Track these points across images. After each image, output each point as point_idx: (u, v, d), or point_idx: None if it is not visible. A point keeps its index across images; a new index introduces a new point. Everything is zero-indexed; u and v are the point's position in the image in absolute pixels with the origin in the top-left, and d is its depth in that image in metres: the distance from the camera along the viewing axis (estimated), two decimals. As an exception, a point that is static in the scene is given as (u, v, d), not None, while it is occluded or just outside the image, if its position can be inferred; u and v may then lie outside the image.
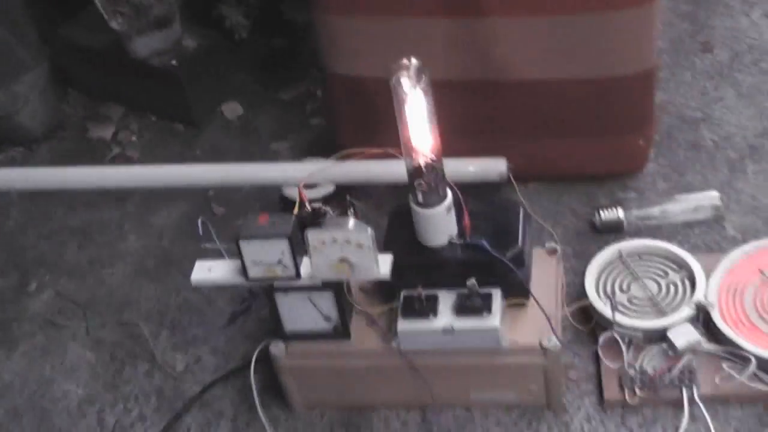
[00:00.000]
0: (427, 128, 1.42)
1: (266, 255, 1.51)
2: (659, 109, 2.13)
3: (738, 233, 1.87)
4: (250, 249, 1.50)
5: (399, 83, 1.37)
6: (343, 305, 1.57)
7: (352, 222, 1.48)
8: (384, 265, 1.51)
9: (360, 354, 1.59)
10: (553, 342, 1.50)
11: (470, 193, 1.57)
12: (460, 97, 1.93)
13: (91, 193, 2.23)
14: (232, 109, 2.49)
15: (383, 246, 1.56)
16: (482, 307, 1.51)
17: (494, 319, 1.50)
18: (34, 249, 2.22)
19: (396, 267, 1.52)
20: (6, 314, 2.06)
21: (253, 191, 2.14)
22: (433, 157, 1.45)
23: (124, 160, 2.42)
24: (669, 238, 1.86)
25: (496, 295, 1.53)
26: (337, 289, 1.55)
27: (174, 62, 2.36)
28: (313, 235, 1.47)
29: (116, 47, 2.39)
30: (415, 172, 1.46)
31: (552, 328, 1.50)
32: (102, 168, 2.16)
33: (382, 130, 1.84)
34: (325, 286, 1.54)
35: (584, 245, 1.90)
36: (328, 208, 1.51)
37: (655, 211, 1.90)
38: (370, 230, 1.46)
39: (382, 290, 1.60)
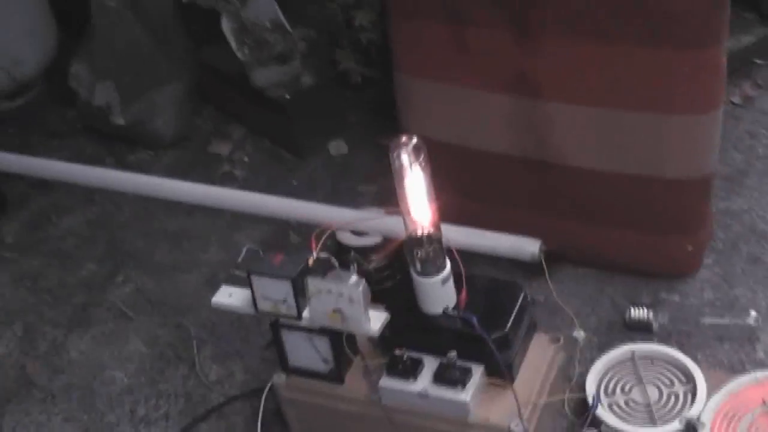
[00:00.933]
0: (425, 202, 1.49)
1: (273, 292, 1.61)
2: (729, 216, 2.09)
3: (767, 357, 1.82)
4: (260, 284, 1.62)
5: (398, 158, 1.45)
6: (339, 351, 1.65)
7: (353, 277, 1.56)
8: (375, 321, 1.58)
9: (349, 400, 1.67)
10: (519, 428, 1.54)
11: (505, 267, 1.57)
12: (515, 172, 1.98)
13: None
14: (337, 147, 2.62)
15: (389, 305, 1.63)
16: (459, 379, 1.56)
17: (466, 393, 1.55)
18: (131, 244, 2.43)
19: (392, 326, 1.60)
20: (92, 298, 2.28)
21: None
22: (432, 229, 1.51)
23: (230, 176, 2.59)
24: (696, 348, 1.84)
25: (477, 371, 1.58)
26: (334, 336, 1.63)
27: (287, 96, 2.51)
28: (312, 283, 1.57)
29: (243, 74, 2.58)
30: (414, 242, 1.53)
31: (519, 414, 1.54)
32: (197, 186, 2.32)
33: (445, 190, 1.96)
34: (323, 331, 1.62)
35: (611, 338, 1.90)
36: (332, 258, 1.59)
37: (688, 320, 1.88)
38: (362, 287, 1.54)
39: (381, 343, 1.67)
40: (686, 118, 1.78)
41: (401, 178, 1.47)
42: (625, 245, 1.97)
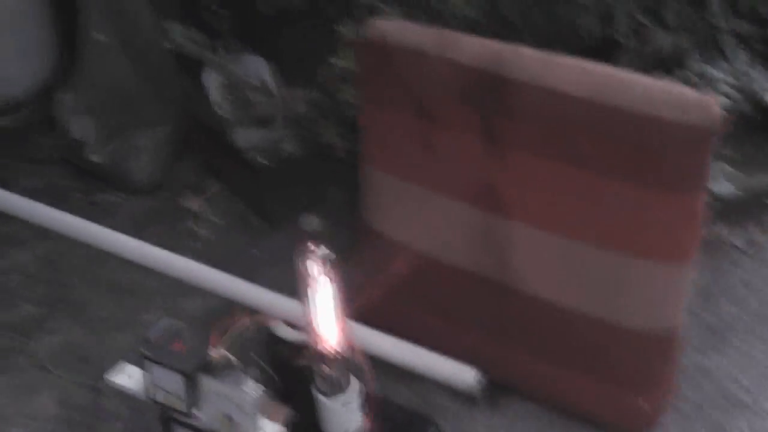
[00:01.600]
0: (331, 317, 1.38)
1: (167, 383, 1.51)
2: (702, 374, 1.95)
3: None
4: (155, 372, 1.51)
5: (306, 267, 1.34)
6: None
7: (249, 383, 1.46)
8: None
9: None
10: None
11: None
12: (472, 290, 1.88)
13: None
14: (310, 222, 2.49)
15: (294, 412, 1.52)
16: None
17: None
18: (73, 291, 2.34)
19: None
20: (16, 343, 2.19)
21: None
22: (337, 349, 1.40)
23: (193, 235, 2.50)
24: None
25: None
26: None
27: (264, 161, 2.42)
28: (205, 382, 1.46)
29: (224, 131, 2.49)
30: (317, 356, 1.42)
31: None
32: (146, 246, 2.23)
33: (397, 295, 1.89)
34: None
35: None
36: (231, 357, 1.49)
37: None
38: (254, 397, 1.43)
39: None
40: (653, 264, 1.66)
41: (307, 289, 1.36)
42: (578, 389, 1.84)
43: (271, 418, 1.50)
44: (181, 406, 1.51)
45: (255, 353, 1.94)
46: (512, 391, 1.92)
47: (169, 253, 2.09)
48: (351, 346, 1.47)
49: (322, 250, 1.35)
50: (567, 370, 1.82)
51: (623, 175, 1.60)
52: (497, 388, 1.91)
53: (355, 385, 1.47)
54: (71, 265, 2.42)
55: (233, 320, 1.55)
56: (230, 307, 2.20)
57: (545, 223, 1.72)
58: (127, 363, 1.59)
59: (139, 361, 1.57)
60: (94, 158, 2.62)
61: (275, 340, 1.86)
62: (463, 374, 1.73)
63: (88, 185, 2.69)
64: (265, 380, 1.55)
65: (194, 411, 1.50)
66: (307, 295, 1.39)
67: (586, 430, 1.86)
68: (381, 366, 1.84)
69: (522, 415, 1.91)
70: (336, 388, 1.44)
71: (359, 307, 1.89)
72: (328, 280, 1.36)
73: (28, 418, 1.99)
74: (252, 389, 1.45)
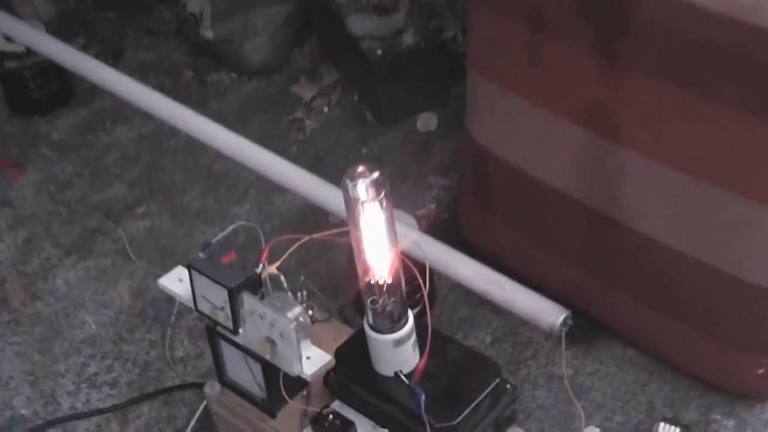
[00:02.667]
0: (384, 246, 1.27)
1: (212, 296, 1.46)
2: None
3: None
4: (200, 283, 1.46)
5: (354, 192, 1.23)
6: (273, 384, 1.47)
7: (295, 309, 1.38)
8: (310, 365, 1.40)
9: (273, 438, 1.50)
10: None
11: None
12: (573, 218, 1.74)
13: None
14: (426, 121, 2.40)
15: (340, 348, 1.44)
16: (382, 461, 1.36)
17: (386, 480, 1.35)
18: (169, 175, 2.33)
19: (339, 374, 1.43)
20: (104, 225, 2.19)
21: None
22: (390, 280, 1.30)
23: (299, 126, 2.44)
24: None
25: (410, 458, 1.36)
26: (268, 366, 1.45)
27: (379, 51, 2.30)
28: (247, 301, 1.40)
29: (340, 15, 2.38)
30: (368, 290, 1.32)
31: None
32: (238, 141, 2.17)
33: (490, 212, 1.85)
34: (255, 356, 1.45)
35: (630, 450, 1.64)
36: (281, 276, 1.41)
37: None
38: (296, 323, 1.35)
39: (327, 387, 1.48)
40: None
41: (355, 215, 1.25)
42: (685, 343, 1.69)
43: (320, 345, 1.42)
44: (226, 322, 1.45)
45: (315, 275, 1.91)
46: (612, 335, 1.81)
47: (264, 150, 2.01)
48: (412, 275, 1.36)
49: (374, 174, 1.23)
50: (675, 320, 1.67)
51: (761, 110, 1.40)
52: (595, 329, 1.80)
53: (409, 321, 1.36)
54: (169, 148, 2.41)
55: (294, 237, 1.45)
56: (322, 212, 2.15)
57: (662, 154, 1.55)
58: (182, 267, 1.54)
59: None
60: (208, 34, 2.56)
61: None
62: (547, 313, 1.60)
63: (201, 63, 2.66)
64: (319, 307, 1.49)
65: (238, 329, 1.44)
66: (354, 223, 1.27)
67: (693, 389, 1.72)
68: (472, 294, 1.78)
69: (620, 361, 1.79)
70: (389, 324, 1.34)
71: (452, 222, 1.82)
72: (379, 206, 1.24)
73: (102, 306, 2.00)
74: (297, 315, 1.37)
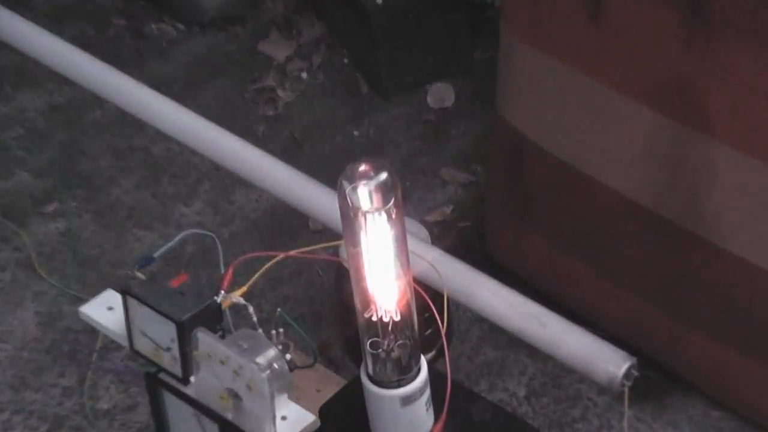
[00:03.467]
0: (393, 272, 1.27)
1: (156, 332, 1.45)
2: None
3: None
4: (139, 314, 1.46)
5: (353, 199, 1.22)
6: None
7: (268, 351, 1.38)
8: (287, 429, 1.39)
9: None
10: None
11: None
12: (639, 231, 1.76)
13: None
14: (439, 94, 2.43)
15: (326, 405, 1.44)
16: None
17: None
18: (91, 161, 2.35)
19: None
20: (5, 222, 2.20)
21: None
22: (399, 315, 1.29)
23: (269, 98, 2.46)
24: None
25: None
26: (228, 427, 1.45)
27: (379, 1, 2.31)
28: (203, 340, 1.39)
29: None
30: (369, 329, 1.31)
31: None
32: (190, 119, 2.17)
33: (526, 220, 1.87)
34: (211, 414, 1.45)
35: None
36: (249, 306, 1.41)
37: None
38: (271, 371, 1.35)
39: (307, 457, 1.48)
40: None
41: (353, 228, 1.25)
42: None
43: (299, 401, 1.42)
44: (171, 366, 1.44)
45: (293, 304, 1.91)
46: (689, 390, 1.84)
47: (221, 130, 2.01)
48: (423, 306, 1.35)
49: (380, 176, 1.22)
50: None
51: None
52: (667, 381, 1.84)
53: (423, 371, 1.35)
54: (92, 123, 2.42)
55: (266, 254, 1.44)
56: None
57: (764, 149, 1.56)
58: (115, 291, 1.54)
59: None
60: (147, -29, 2.57)
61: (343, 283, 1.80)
62: (609, 359, 1.61)
63: (136, 8, 2.69)
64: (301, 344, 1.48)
65: (189, 377, 1.43)
66: (353, 238, 1.27)
67: None
68: (500, 330, 1.78)
69: (700, 426, 1.82)
70: (396, 373, 1.33)
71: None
72: (387, 217, 1.23)
73: (1, 340, 2.00)
74: (270, 360, 1.36)
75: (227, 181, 2.24)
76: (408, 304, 1.32)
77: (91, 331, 1.96)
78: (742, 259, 1.65)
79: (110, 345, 1.94)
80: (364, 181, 1.25)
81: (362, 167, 1.24)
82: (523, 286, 1.71)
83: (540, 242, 1.90)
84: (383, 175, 1.25)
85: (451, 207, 2.17)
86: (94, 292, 2.02)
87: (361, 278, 1.31)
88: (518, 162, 1.87)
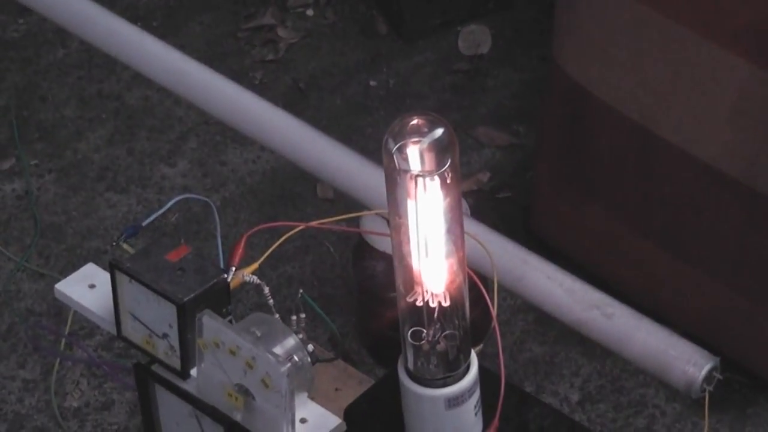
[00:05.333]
0: (443, 247, 1.29)
1: (150, 315, 1.46)
2: None
3: None
4: (130, 294, 1.47)
5: (401, 161, 1.23)
6: None
7: (288, 338, 1.39)
8: None
9: None
10: None
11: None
12: (724, 207, 1.79)
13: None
14: (472, 37, 2.44)
15: (353, 406, 1.45)
16: None
17: None
18: (52, 110, 2.36)
19: None
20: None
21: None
22: (448, 299, 1.31)
23: (269, 43, 2.47)
24: None
25: None
26: (233, 430, 1.46)
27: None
28: (209, 325, 1.40)
29: None
30: (411, 315, 1.33)
31: None
32: (167, 51, 2.18)
33: (588, 194, 1.88)
34: (215, 414, 1.46)
35: None
36: (265, 287, 1.42)
37: None
38: (288, 365, 1.36)
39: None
40: None
41: (398, 195, 1.26)
42: None
43: (321, 401, 1.43)
44: (168, 356, 1.46)
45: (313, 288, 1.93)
46: None
47: (212, 74, 2.03)
48: (477, 298, 1.36)
49: (435, 133, 1.23)
50: None
51: None
52: (754, 387, 1.86)
53: (473, 368, 1.36)
54: (57, 65, 2.43)
55: (283, 225, 1.48)
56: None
57: None
58: (98, 267, 1.55)
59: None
60: None
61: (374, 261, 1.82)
62: (687, 358, 1.63)
63: None
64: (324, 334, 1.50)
65: (190, 370, 1.44)
66: (398, 207, 1.28)
67: None
68: (548, 323, 1.79)
69: None
70: (442, 370, 1.34)
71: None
72: (440, 184, 1.25)
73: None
74: (290, 351, 1.38)
75: (218, 138, 2.26)
76: (460, 287, 1.33)
77: (58, 313, 2.00)
78: None
79: (80, 331, 1.96)
80: (415, 138, 1.26)
81: (414, 121, 1.26)
82: (577, 271, 1.73)
83: (601, 218, 1.93)
84: (439, 132, 1.26)
85: (488, 174, 2.18)
86: (59, 267, 2.07)
87: (405, 254, 1.32)
88: (577, 121, 1.89)
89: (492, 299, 1.39)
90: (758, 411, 1.85)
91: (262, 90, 2.30)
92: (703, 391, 1.62)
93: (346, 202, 1.75)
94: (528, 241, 1.86)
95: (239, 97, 1.98)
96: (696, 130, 1.77)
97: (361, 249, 1.92)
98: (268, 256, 1.47)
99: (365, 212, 1.66)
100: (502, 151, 2.23)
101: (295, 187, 2.14)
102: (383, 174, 1.27)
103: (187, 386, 1.47)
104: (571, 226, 1.96)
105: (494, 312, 1.38)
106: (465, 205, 1.90)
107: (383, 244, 1.83)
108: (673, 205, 1.85)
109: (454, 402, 1.38)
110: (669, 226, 1.85)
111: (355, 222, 1.72)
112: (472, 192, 2.15)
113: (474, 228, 1.75)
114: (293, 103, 2.30)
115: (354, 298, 1.98)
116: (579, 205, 1.94)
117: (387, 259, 1.44)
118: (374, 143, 2.08)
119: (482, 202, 2.14)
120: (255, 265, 1.45)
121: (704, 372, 1.62)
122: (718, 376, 1.63)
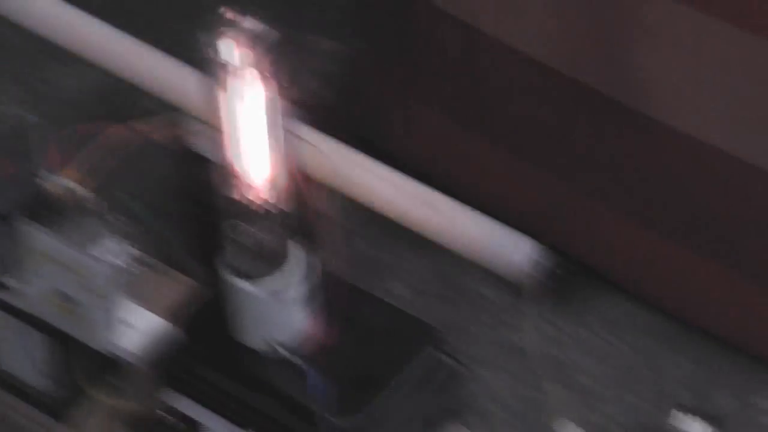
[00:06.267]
0: (265, 140, 1.34)
1: None
2: None
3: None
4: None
5: (223, 53, 1.28)
6: (65, 364, 1.51)
7: (108, 240, 1.41)
8: (131, 337, 1.44)
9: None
10: None
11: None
12: (555, 104, 1.82)
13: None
14: None
15: (179, 309, 1.50)
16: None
17: None
18: None
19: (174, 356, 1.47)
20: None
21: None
22: (271, 194, 1.35)
23: None
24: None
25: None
26: (58, 339, 1.48)
27: None
28: (28, 233, 1.42)
29: None
30: (233, 209, 1.35)
31: None
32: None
33: (421, 74, 1.92)
34: (41, 324, 1.47)
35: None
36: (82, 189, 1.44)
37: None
38: (111, 269, 1.39)
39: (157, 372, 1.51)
40: None
41: (221, 90, 1.31)
42: (734, 297, 1.81)
43: (147, 304, 1.47)
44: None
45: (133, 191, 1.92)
46: (606, 285, 1.89)
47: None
48: (301, 194, 1.41)
49: (251, 23, 1.27)
50: (728, 267, 1.79)
51: None
52: (580, 275, 1.88)
53: (297, 260, 1.40)
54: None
55: (99, 127, 1.50)
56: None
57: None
58: None
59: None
60: None
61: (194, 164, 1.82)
62: (514, 248, 1.67)
63: None
64: (144, 237, 1.50)
65: (11, 281, 1.47)
66: (220, 102, 1.32)
67: (730, 363, 1.83)
68: (379, 222, 1.81)
69: (616, 323, 1.87)
70: (265, 264, 1.38)
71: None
72: (259, 75, 1.30)
73: None
74: (113, 254, 1.39)
75: (36, 53, 2.27)
76: (279, 182, 1.37)
77: None
78: (689, 135, 1.72)
79: None
80: (231, 31, 1.28)
81: (229, 14, 1.28)
82: (408, 172, 1.75)
83: (432, 118, 1.95)
84: (252, 23, 1.28)
85: (318, 84, 2.18)
86: None
87: (224, 149, 1.34)
88: (404, 23, 1.90)
89: (319, 198, 1.42)
90: (585, 296, 1.89)
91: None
92: (531, 279, 1.67)
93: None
94: (358, 144, 1.87)
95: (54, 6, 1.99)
96: (517, 26, 1.79)
97: (182, 153, 1.93)
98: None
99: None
100: (329, 57, 2.23)
101: (114, 100, 2.17)
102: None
103: (7, 297, 1.49)
104: (404, 129, 1.98)
105: (319, 210, 1.41)
106: (295, 111, 1.93)
107: (206, 148, 1.85)
108: (503, 100, 1.87)
109: (278, 294, 1.40)
110: (497, 120, 1.88)
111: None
112: (301, 97, 2.16)
113: (302, 131, 1.78)
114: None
115: (180, 205, 1.98)
116: (409, 106, 1.96)
117: (210, 164, 1.47)
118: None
119: (312, 108, 2.15)
120: (72, 171, 1.46)
121: (529, 260, 1.66)
122: (545, 263, 1.67)
